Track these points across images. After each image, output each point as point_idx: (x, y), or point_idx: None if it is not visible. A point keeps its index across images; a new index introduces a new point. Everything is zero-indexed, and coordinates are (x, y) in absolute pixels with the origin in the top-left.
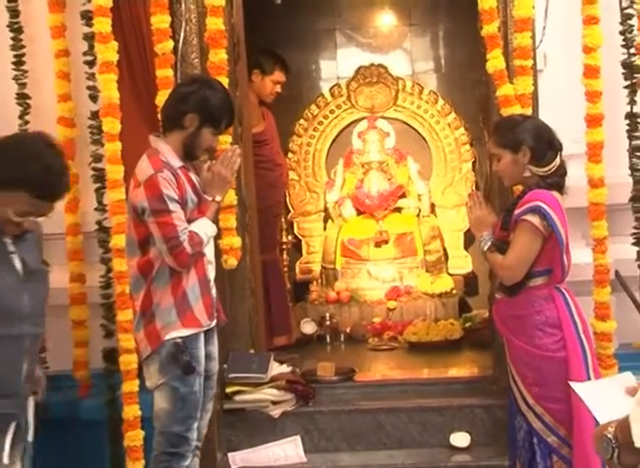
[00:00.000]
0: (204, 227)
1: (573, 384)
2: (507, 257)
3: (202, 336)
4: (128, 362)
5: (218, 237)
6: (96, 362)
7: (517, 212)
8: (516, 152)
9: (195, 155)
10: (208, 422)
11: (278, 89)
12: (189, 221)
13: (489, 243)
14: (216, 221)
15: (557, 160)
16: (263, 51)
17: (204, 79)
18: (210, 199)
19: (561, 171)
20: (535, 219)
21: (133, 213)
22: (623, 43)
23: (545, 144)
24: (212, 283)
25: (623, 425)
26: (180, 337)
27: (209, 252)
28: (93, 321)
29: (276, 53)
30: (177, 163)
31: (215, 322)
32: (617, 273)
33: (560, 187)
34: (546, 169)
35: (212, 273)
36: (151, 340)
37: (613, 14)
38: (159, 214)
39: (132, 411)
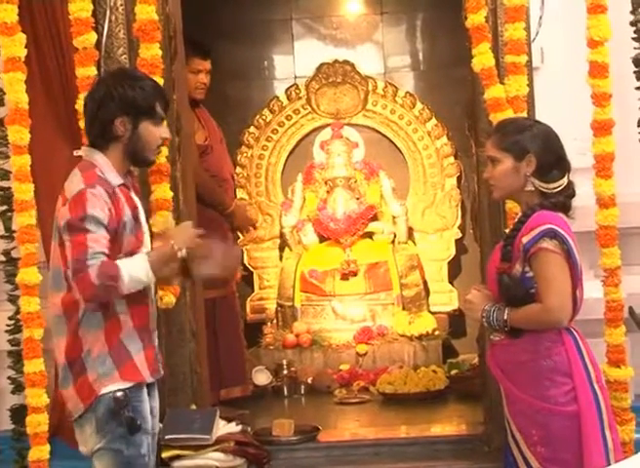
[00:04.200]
0: (132, 266)
1: None
2: (550, 298)
3: (145, 389)
4: (37, 422)
5: None
6: (2, 422)
7: (526, 239)
8: (519, 159)
9: (148, 159)
10: None
11: (203, 79)
12: (131, 252)
13: (502, 309)
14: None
15: (564, 180)
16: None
17: (111, 74)
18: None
19: (568, 192)
20: (554, 245)
21: (58, 237)
22: (635, 36)
23: (554, 159)
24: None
25: None
26: (120, 390)
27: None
28: None
29: (189, 38)
30: (116, 180)
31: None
32: (630, 310)
33: (566, 209)
34: (552, 186)
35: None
36: (83, 395)
37: (622, 1)
38: (74, 232)
39: None
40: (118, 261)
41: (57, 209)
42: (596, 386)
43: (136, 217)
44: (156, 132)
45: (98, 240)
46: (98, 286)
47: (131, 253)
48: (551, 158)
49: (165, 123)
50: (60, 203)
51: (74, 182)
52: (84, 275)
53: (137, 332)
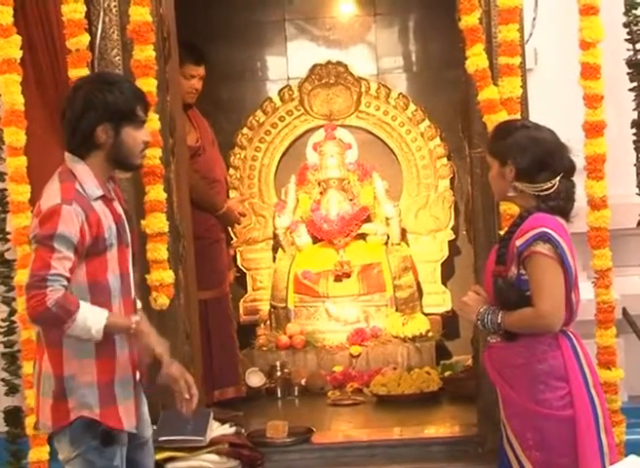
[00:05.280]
0: (91, 315)
1: None
2: (542, 303)
3: None
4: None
5: (146, 272)
6: None
7: (520, 242)
8: (503, 165)
9: (134, 164)
10: None
11: (196, 84)
12: (121, 272)
13: (497, 312)
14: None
15: (553, 181)
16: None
17: (86, 80)
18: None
19: (562, 194)
20: (547, 249)
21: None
22: (628, 37)
23: (537, 165)
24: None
25: None
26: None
27: None
28: None
29: (185, 42)
30: (96, 192)
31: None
32: (624, 311)
33: (565, 212)
34: (538, 188)
35: None
36: (56, 417)
37: (615, 2)
38: (41, 246)
39: None
40: (82, 303)
41: (33, 214)
42: (593, 391)
43: (119, 229)
44: (138, 136)
45: (62, 261)
46: (48, 309)
47: (121, 273)
48: (533, 165)
49: (146, 126)
50: (35, 211)
51: (51, 193)
52: (39, 293)
53: (132, 380)
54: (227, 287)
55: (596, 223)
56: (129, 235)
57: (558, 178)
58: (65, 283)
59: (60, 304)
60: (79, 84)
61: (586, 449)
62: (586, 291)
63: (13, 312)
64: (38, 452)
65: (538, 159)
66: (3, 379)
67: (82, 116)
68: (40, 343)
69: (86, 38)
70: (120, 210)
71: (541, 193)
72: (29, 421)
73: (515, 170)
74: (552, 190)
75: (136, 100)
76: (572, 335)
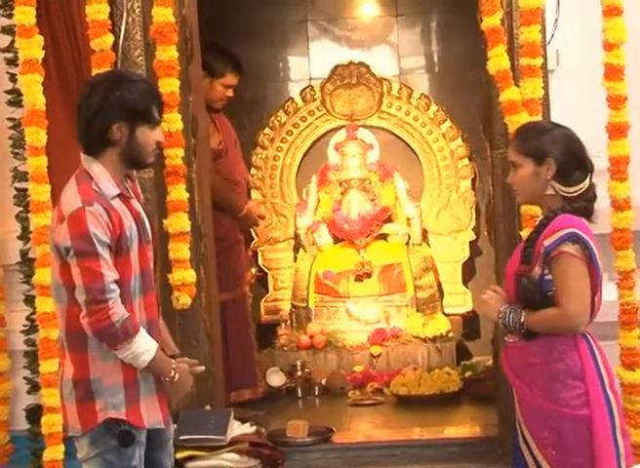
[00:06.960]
0: (145, 344)
1: None
2: (569, 303)
3: None
4: (52, 423)
5: (168, 271)
6: (18, 422)
7: (548, 242)
8: (540, 164)
9: (144, 163)
10: None
11: (230, 93)
12: (143, 268)
13: (518, 311)
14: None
15: (586, 182)
16: (212, 48)
17: (105, 76)
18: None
19: (589, 195)
20: (575, 250)
21: (56, 251)
22: None
23: (575, 161)
24: None
25: None
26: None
27: None
28: (15, 373)
29: (227, 51)
30: (113, 191)
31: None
32: None
33: (588, 213)
34: (573, 190)
35: None
36: (85, 420)
37: (638, 3)
38: (83, 256)
39: None
40: (142, 330)
41: (52, 219)
42: (609, 391)
43: (139, 227)
44: (152, 136)
45: (109, 266)
46: (112, 326)
47: (142, 270)
48: (572, 161)
49: (159, 126)
50: (56, 216)
51: (70, 197)
52: (103, 308)
53: (154, 376)
54: (246, 288)
55: (620, 224)
56: (149, 232)
57: (588, 179)
58: (117, 289)
59: (123, 325)
60: (95, 80)
61: (602, 449)
62: (609, 292)
63: (35, 311)
64: (53, 452)
65: (576, 155)
66: (25, 377)
67: (98, 112)
68: (62, 348)
69: (110, 39)
70: (138, 207)
71: (574, 194)
72: (46, 420)
73: (556, 166)
74: (583, 190)
75: (152, 100)
76: (589, 336)
